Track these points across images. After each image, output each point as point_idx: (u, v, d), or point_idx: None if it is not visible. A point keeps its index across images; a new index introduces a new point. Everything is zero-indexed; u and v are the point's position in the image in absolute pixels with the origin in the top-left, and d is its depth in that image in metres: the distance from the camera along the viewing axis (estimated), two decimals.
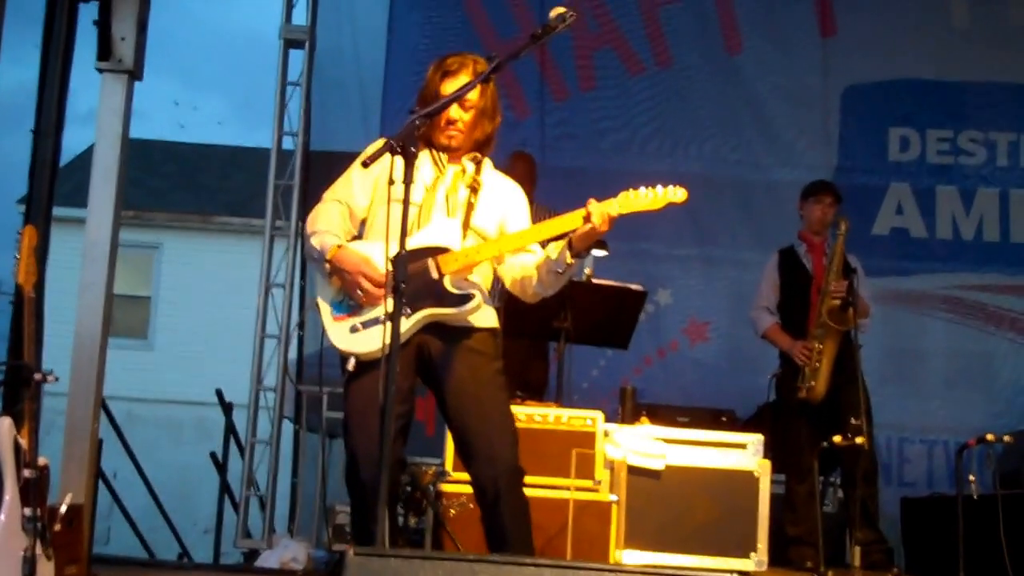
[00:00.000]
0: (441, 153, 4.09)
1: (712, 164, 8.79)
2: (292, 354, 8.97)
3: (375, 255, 3.91)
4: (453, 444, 3.98)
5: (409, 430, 3.97)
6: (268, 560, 7.43)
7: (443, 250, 3.89)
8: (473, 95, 3.94)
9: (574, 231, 3.81)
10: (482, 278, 4.06)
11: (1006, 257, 8.68)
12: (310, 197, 9.03)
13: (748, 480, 5.31)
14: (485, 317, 4.01)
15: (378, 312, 3.84)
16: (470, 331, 3.95)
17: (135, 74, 5.69)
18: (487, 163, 4.17)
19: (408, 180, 3.47)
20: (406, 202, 3.47)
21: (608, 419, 5.43)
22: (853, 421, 5.29)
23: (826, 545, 5.06)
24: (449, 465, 5.37)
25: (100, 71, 5.64)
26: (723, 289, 8.70)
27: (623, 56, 9.05)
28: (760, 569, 5.17)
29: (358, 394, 3.89)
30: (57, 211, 5.83)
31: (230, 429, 9.53)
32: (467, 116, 4.02)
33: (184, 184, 19.76)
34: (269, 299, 8.79)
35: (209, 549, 9.41)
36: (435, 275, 3.86)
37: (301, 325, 9.02)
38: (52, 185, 5.61)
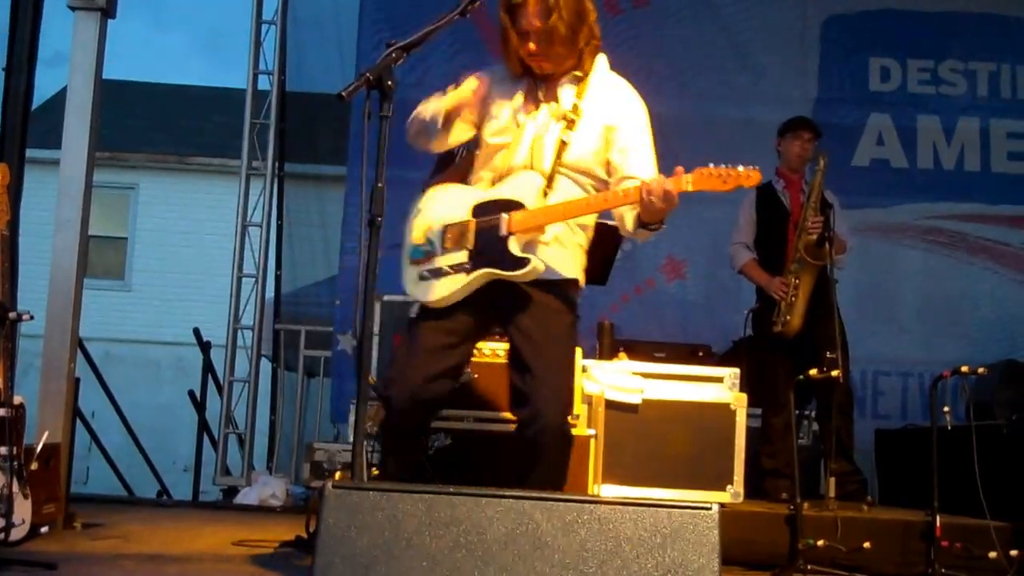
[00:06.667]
0: (540, 81, 3.98)
1: (691, 101, 8.71)
2: (270, 293, 8.99)
3: (454, 202, 3.99)
4: (509, 387, 3.96)
5: (461, 372, 3.99)
6: (247, 497, 7.49)
7: (518, 205, 3.83)
8: (538, 22, 3.80)
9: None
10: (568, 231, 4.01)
11: (987, 187, 8.69)
12: (287, 137, 9.01)
13: (725, 413, 5.34)
14: (561, 267, 3.95)
15: (442, 262, 3.88)
16: (539, 284, 3.89)
17: (108, 12, 5.64)
18: (594, 72, 4.03)
19: (385, 113, 3.45)
20: (382, 138, 3.44)
21: (586, 355, 5.43)
22: (829, 355, 5.31)
23: (801, 477, 5.09)
24: None
25: (72, 9, 5.58)
26: (700, 227, 8.66)
27: None
28: (736, 501, 5.21)
29: (413, 340, 3.93)
30: (30, 153, 5.79)
31: (208, 368, 9.55)
32: (543, 44, 3.86)
33: (160, 125, 19.61)
34: (246, 239, 8.80)
35: (188, 487, 9.45)
36: (503, 232, 3.82)
37: (278, 263, 9.04)
38: (25, 122, 5.58)
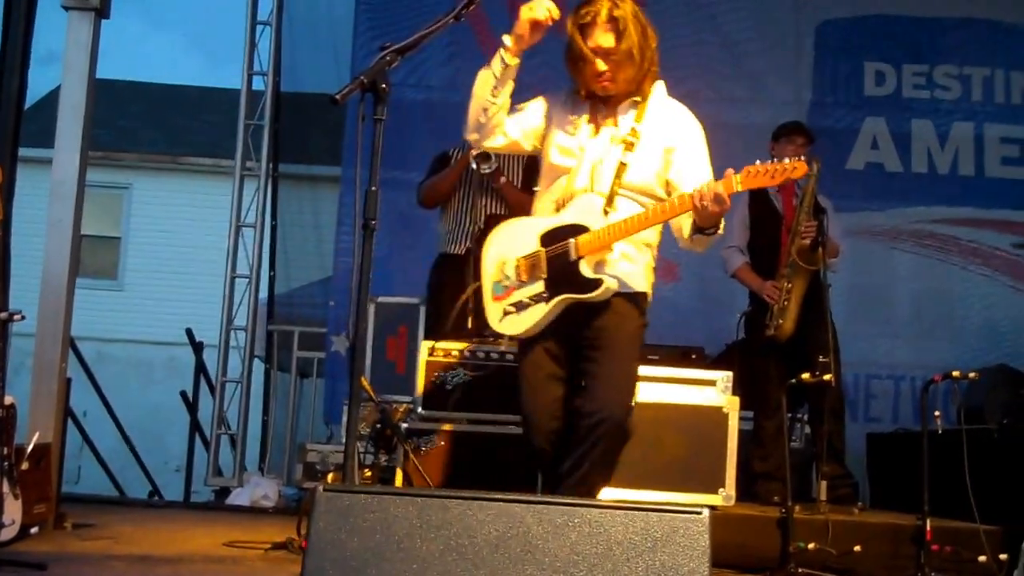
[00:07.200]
0: (601, 105, 4.07)
1: (686, 104, 8.67)
2: (263, 294, 8.98)
3: (522, 234, 4.07)
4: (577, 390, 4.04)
5: (572, 389, 4.03)
6: (239, 497, 7.48)
7: (583, 229, 3.91)
8: (609, 41, 3.91)
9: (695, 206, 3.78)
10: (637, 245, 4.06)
11: (981, 191, 8.68)
12: (281, 137, 8.99)
13: (717, 416, 5.34)
14: (631, 280, 4.02)
15: (522, 295, 3.99)
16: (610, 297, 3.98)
17: (102, 12, 5.64)
18: (652, 97, 4.10)
19: (379, 116, 3.46)
20: (376, 141, 3.45)
21: None
22: (821, 359, 5.32)
23: (793, 480, 5.09)
24: (420, 404, 5.41)
25: (66, 8, 5.59)
26: None
27: None
28: (728, 504, 5.22)
29: (528, 368, 4.06)
30: (23, 152, 5.78)
31: (200, 368, 9.54)
32: (612, 64, 3.95)
33: (154, 124, 19.58)
34: (239, 239, 8.79)
35: (180, 487, 9.45)
36: (572, 256, 3.91)
37: (272, 264, 9.02)
38: (18, 122, 5.57)
